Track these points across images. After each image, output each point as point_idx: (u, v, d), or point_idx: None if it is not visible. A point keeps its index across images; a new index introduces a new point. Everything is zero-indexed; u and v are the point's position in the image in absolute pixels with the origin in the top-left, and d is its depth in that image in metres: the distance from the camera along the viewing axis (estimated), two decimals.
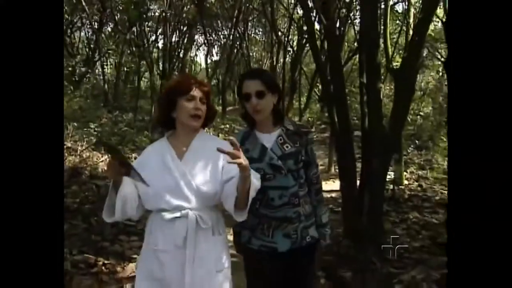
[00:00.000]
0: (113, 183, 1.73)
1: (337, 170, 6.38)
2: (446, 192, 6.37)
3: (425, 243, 4.24)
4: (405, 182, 7.06)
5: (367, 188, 4.25)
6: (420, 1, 7.13)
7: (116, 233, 4.14)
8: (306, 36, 13.02)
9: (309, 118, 15.69)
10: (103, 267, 3.47)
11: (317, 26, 7.17)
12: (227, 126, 13.51)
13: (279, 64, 16.06)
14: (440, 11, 10.83)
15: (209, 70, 19.53)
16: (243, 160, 1.59)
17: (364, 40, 4.39)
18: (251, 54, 22.27)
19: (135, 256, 3.65)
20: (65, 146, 5.93)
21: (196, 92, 1.83)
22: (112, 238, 4.03)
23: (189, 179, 1.75)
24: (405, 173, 7.42)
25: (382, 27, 7.55)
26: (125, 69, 13.47)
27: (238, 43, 18.79)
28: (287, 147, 1.93)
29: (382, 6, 7.22)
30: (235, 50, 18.33)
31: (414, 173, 7.84)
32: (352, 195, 4.46)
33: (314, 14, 6.77)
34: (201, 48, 15.84)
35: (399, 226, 4.83)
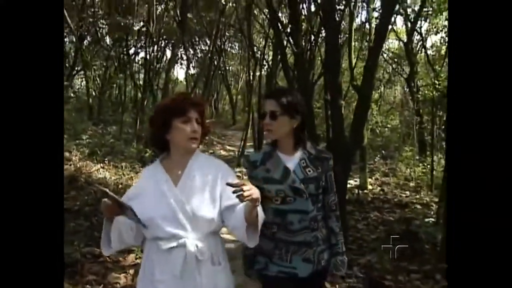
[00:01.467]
0: (106, 218, 1.70)
1: None
2: (404, 195, 7.22)
3: (380, 235, 5.01)
4: (369, 187, 7.87)
5: None
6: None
7: None
8: (279, 53, 13.90)
9: None
10: (107, 257, 4.06)
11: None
12: (206, 138, 14.02)
13: (255, 79, 16.81)
14: (401, 31, 11.85)
15: (189, 83, 20.15)
16: (254, 193, 1.51)
17: (328, 62, 5.14)
18: (227, 68, 23.05)
19: (134, 248, 4.24)
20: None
21: (192, 113, 1.74)
22: None
23: (185, 206, 1.67)
24: (370, 179, 8.25)
25: (347, 48, 8.42)
26: (107, 83, 13.95)
27: (215, 57, 19.49)
28: (309, 171, 1.89)
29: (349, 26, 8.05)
30: (214, 65, 19.03)
31: (379, 179, 8.68)
32: None
33: (285, 37, 7.56)
34: (178, 62, 16.32)
35: (361, 223, 5.60)
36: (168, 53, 17.52)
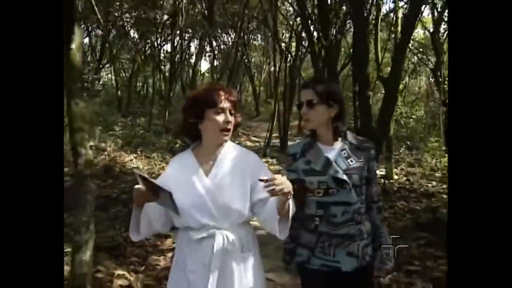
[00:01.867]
0: (137, 205, 1.70)
1: None
2: (430, 185, 7.27)
3: (407, 223, 5.11)
4: (395, 177, 7.92)
5: None
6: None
7: None
8: (305, 43, 13.96)
9: None
10: (146, 242, 4.31)
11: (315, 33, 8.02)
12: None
13: (277, 70, 16.88)
14: (428, 20, 11.73)
15: (215, 75, 20.36)
16: (286, 186, 1.49)
17: (355, 54, 5.25)
18: (250, 59, 23.17)
19: (170, 234, 4.47)
20: (94, 147, 6.76)
21: (225, 104, 1.71)
22: None
23: (215, 197, 1.67)
24: (395, 169, 8.29)
25: (373, 39, 8.43)
26: (134, 76, 14.30)
27: (240, 49, 19.64)
28: (351, 161, 1.84)
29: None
30: (238, 56, 19.19)
31: (404, 169, 8.72)
32: None
33: (312, 25, 7.64)
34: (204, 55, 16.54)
35: (387, 211, 5.69)
36: (192, 46, 17.79)
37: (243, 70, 22.01)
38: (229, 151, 1.77)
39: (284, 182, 1.50)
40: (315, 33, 8.05)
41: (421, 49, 12.99)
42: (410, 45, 12.21)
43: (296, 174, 1.85)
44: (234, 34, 16.51)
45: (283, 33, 18.61)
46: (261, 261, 1.82)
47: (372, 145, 1.93)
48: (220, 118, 1.70)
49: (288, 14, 15.52)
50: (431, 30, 10.64)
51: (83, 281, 2.89)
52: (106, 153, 6.87)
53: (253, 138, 11.88)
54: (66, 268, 3.12)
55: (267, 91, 23.25)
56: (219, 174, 1.71)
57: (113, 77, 14.68)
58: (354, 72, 6.45)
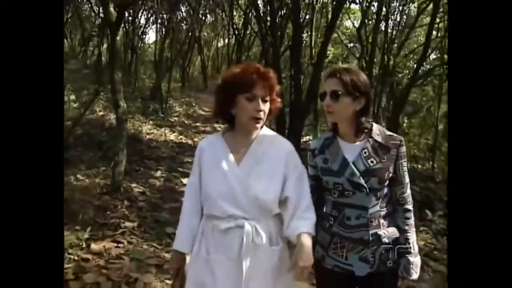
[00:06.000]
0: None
1: None
2: None
3: None
4: None
5: None
6: None
7: None
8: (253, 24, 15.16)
9: None
10: None
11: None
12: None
13: (229, 46, 17.90)
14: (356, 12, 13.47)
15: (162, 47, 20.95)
16: (308, 265, 1.56)
17: (293, 39, 6.69)
18: (200, 34, 23.96)
19: None
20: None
21: (258, 90, 1.61)
22: None
23: (246, 187, 1.61)
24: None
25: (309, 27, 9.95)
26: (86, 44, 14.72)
27: (189, 23, 20.32)
28: (372, 162, 1.70)
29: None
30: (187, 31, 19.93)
31: None
32: None
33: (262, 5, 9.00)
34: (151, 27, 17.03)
35: None
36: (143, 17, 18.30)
37: (192, 44, 22.73)
38: (264, 140, 1.71)
39: (307, 265, 1.55)
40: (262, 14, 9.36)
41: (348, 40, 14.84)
42: (340, 35, 14.03)
43: (316, 170, 1.80)
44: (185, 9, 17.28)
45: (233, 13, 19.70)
46: (288, 256, 1.71)
47: (400, 141, 1.74)
48: (251, 105, 1.62)
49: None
50: (359, 22, 12.36)
51: None
52: None
53: (205, 108, 13.12)
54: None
55: (214, 66, 24.33)
56: (251, 163, 1.65)
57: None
58: (291, 53, 7.97)
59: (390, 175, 1.72)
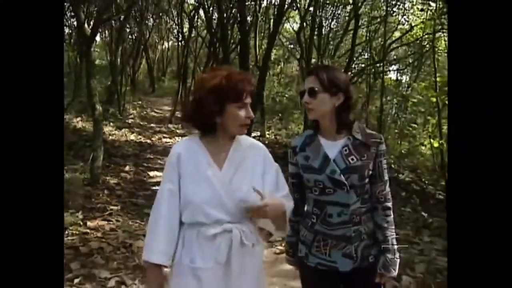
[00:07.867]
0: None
1: None
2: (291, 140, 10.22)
3: None
4: (267, 136, 10.76)
5: None
6: None
7: None
8: (200, 26, 15.79)
9: None
10: None
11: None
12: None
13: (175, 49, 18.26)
14: (295, 15, 14.67)
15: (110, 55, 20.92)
16: (268, 213, 1.57)
17: (240, 41, 7.52)
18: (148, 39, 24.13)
19: None
20: None
21: (248, 98, 1.62)
22: None
23: (232, 191, 1.60)
24: (267, 131, 11.18)
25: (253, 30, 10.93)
26: None
27: (134, 27, 20.47)
28: (352, 159, 1.70)
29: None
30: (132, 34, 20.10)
31: (274, 132, 11.68)
32: None
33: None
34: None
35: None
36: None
37: (137, 48, 22.82)
38: (241, 144, 1.71)
39: (271, 209, 1.57)
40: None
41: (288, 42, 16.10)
42: (281, 37, 15.20)
43: (297, 167, 1.82)
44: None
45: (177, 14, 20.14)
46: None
47: (380, 139, 1.78)
48: (243, 113, 1.61)
49: None
50: (298, 26, 13.55)
51: None
52: None
53: (157, 110, 13.78)
54: None
55: (160, 69, 24.68)
56: (232, 167, 1.65)
57: None
58: (239, 56, 8.82)
59: (370, 172, 1.74)
